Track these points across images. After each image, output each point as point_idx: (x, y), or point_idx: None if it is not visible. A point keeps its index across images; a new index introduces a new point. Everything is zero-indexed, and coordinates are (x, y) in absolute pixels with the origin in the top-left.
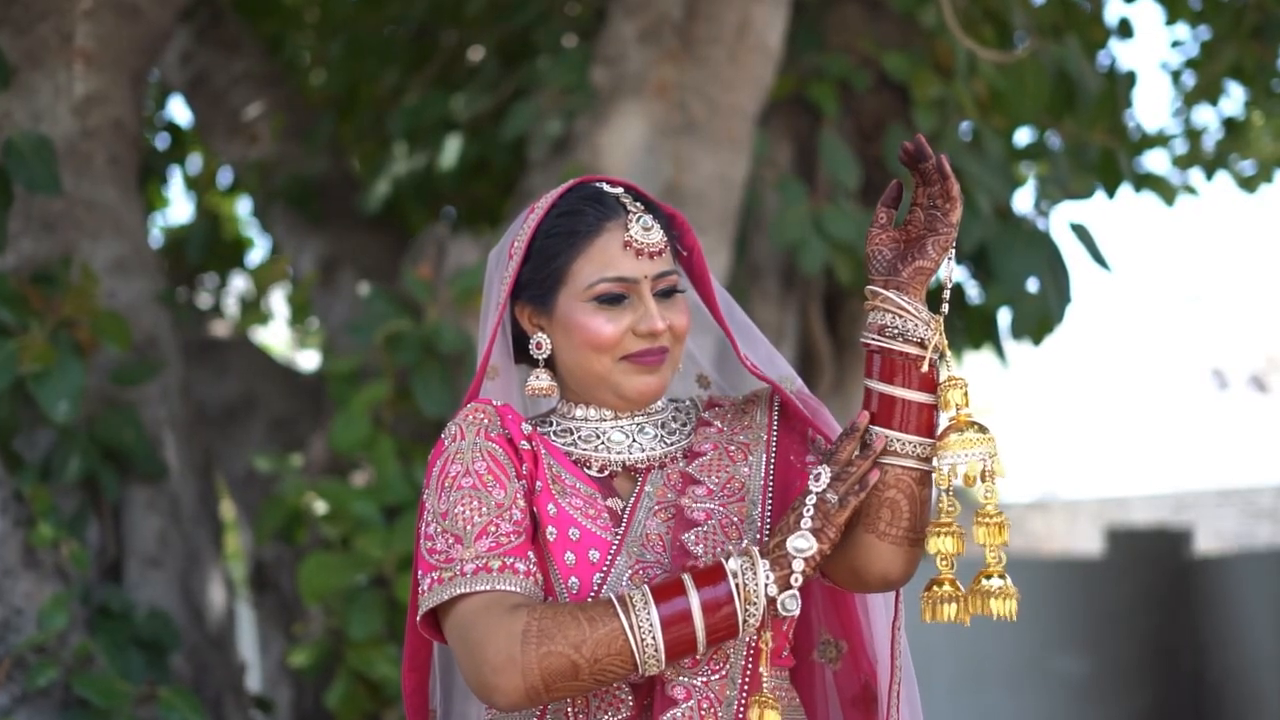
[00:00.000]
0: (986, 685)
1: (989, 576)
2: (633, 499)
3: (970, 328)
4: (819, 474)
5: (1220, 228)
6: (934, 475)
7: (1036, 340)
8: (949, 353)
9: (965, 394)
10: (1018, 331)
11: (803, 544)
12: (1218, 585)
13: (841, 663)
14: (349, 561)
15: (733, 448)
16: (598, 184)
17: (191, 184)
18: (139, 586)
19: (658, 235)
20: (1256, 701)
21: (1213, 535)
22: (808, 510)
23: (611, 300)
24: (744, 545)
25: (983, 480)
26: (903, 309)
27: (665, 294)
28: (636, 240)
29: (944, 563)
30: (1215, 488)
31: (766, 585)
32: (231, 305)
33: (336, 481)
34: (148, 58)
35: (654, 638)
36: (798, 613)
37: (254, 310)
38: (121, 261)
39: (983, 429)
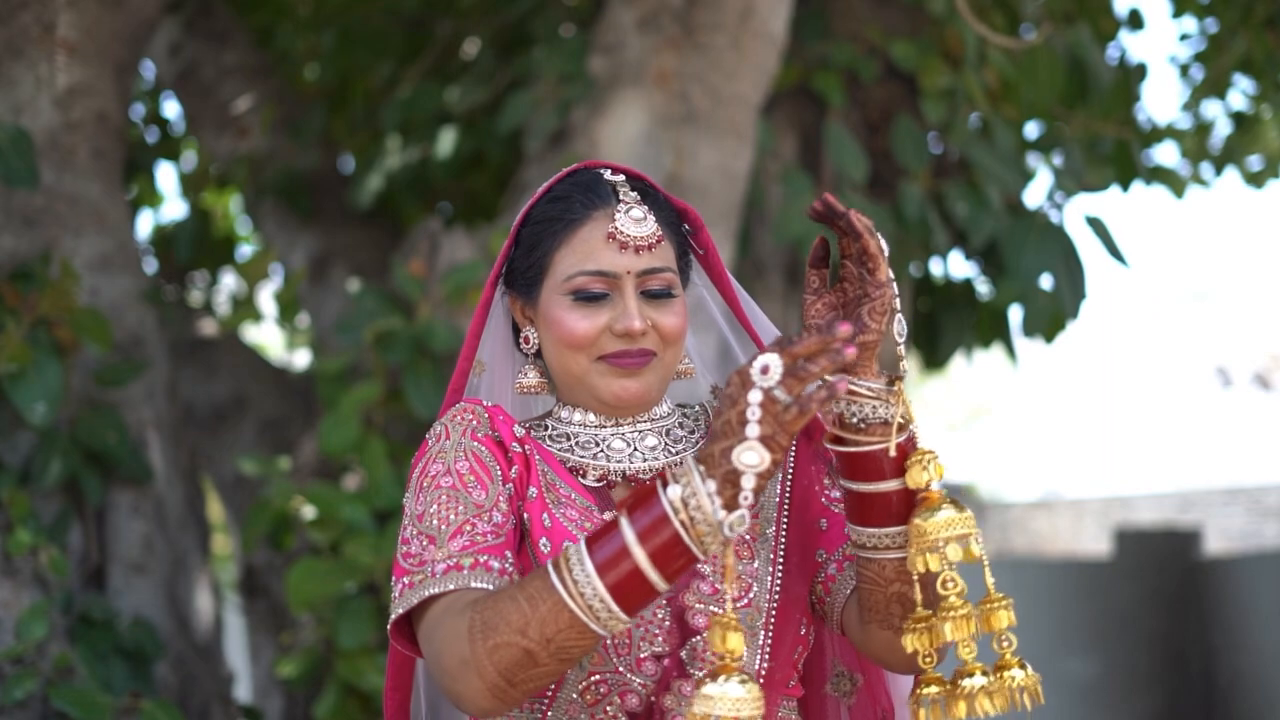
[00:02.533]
0: None
1: (970, 674)
2: None
3: (980, 325)
4: (766, 365)
5: (1225, 225)
6: (908, 564)
7: (1049, 338)
8: (914, 421)
9: (935, 467)
10: (1030, 329)
11: (752, 458)
12: (1227, 586)
13: (857, 697)
14: (338, 568)
15: None
16: (599, 170)
17: (186, 180)
18: (123, 594)
19: (649, 229)
20: (1268, 704)
21: (1219, 534)
22: (752, 412)
23: (589, 296)
24: (684, 461)
25: (959, 560)
26: (856, 394)
27: (655, 294)
28: (621, 232)
29: (927, 660)
30: (1221, 486)
31: (714, 507)
32: (223, 303)
33: (325, 485)
34: (133, 48)
35: (596, 593)
36: (746, 527)
37: (246, 308)
38: (105, 258)
39: (959, 506)
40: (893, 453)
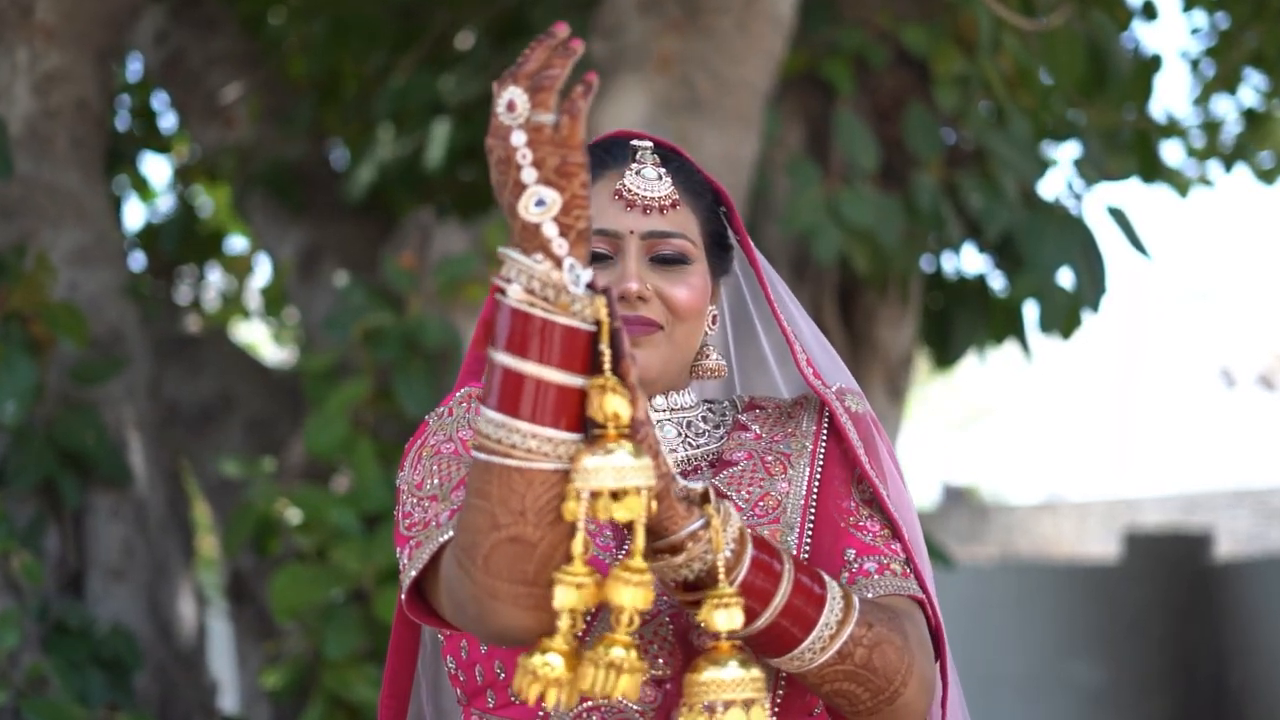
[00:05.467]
0: (999, 692)
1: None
2: None
3: (993, 321)
4: (509, 100)
5: (1227, 223)
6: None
7: (1066, 334)
8: (727, 546)
9: (732, 613)
10: (1046, 324)
11: (541, 201)
12: (1238, 590)
13: None
14: (325, 575)
15: (770, 458)
16: (627, 138)
17: (179, 173)
18: (102, 600)
19: (661, 190)
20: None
21: (1226, 536)
22: (523, 155)
23: (591, 257)
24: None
25: None
26: (680, 550)
27: (666, 260)
28: (628, 189)
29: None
30: (1228, 488)
31: (549, 269)
32: (212, 299)
33: (312, 488)
34: (114, 33)
35: (522, 432)
36: (587, 272)
37: (235, 304)
38: (84, 251)
39: (748, 664)
40: (730, 596)
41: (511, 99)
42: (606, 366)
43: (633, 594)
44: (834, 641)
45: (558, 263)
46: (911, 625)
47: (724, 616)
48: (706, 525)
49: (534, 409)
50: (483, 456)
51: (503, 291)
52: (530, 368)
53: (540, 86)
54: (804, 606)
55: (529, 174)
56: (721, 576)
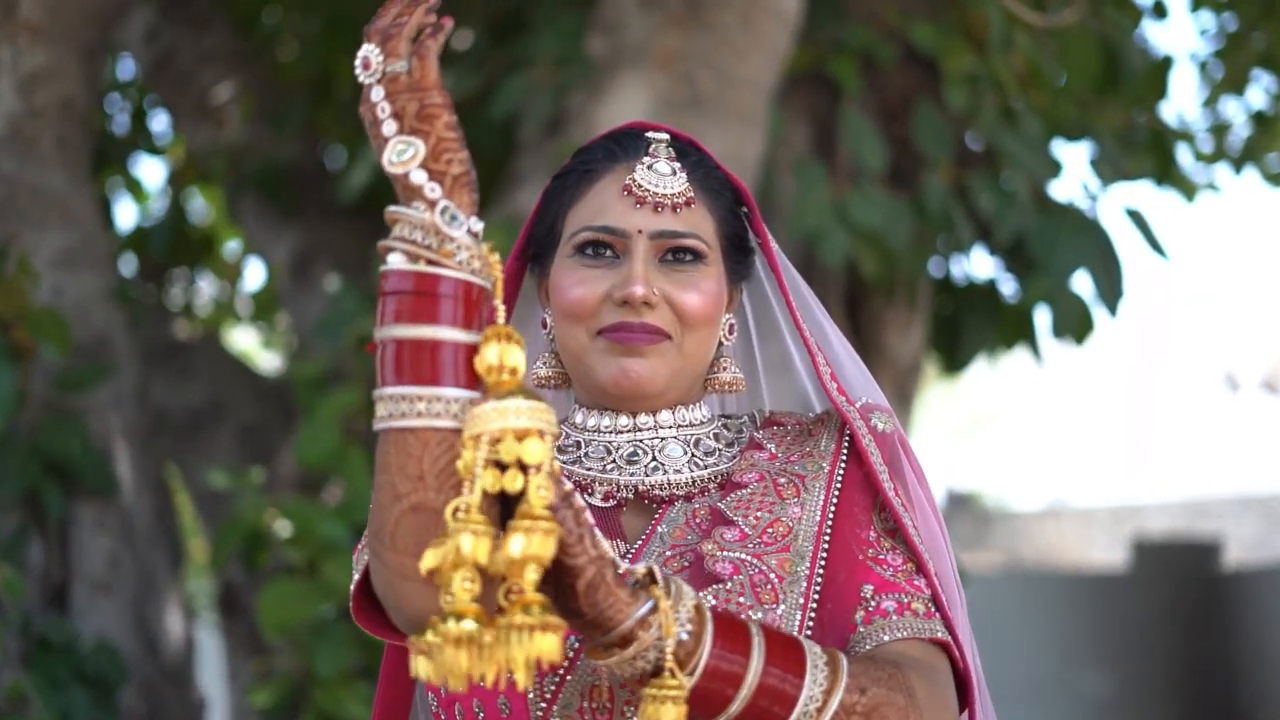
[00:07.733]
0: (1005, 702)
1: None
2: (641, 540)
3: (1003, 326)
4: (363, 57)
5: (1231, 226)
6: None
7: (1080, 339)
8: (677, 630)
9: (672, 708)
10: (1059, 329)
11: (404, 150)
12: (1249, 598)
13: None
14: (315, 589)
15: (782, 480)
16: (641, 129)
17: (173, 175)
18: (86, 614)
19: (674, 186)
20: None
21: (1233, 543)
22: (382, 109)
23: (594, 255)
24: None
25: None
26: (630, 641)
27: (676, 260)
28: (638, 185)
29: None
30: (1234, 494)
31: (423, 216)
32: (204, 306)
33: (302, 499)
34: (101, 30)
35: (405, 395)
36: (471, 215)
37: (226, 309)
38: (70, 254)
39: None
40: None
41: (365, 56)
42: (500, 318)
43: (529, 542)
44: (821, 715)
45: (433, 206)
46: (922, 678)
47: (662, 713)
48: (655, 609)
49: (430, 371)
50: (381, 428)
51: (386, 258)
52: (425, 330)
53: (389, 36)
54: (781, 683)
55: (389, 126)
56: (669, 665)
